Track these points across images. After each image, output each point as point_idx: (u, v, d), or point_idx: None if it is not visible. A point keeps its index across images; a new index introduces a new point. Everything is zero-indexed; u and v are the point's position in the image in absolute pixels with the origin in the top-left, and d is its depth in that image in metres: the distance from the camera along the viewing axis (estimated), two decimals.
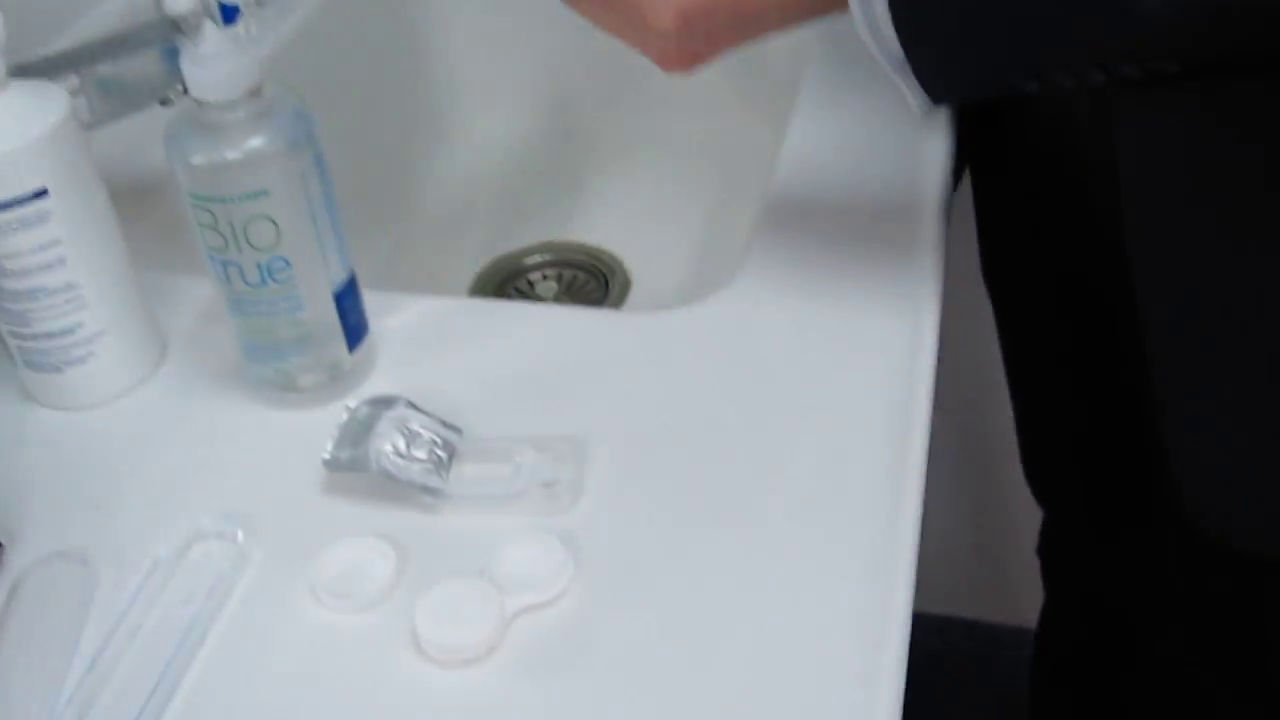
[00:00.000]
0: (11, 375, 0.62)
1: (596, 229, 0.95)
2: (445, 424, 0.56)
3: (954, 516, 1.34)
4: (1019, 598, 1.18)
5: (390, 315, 0.64)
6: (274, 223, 0.54)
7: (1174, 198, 0.58)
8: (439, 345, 0.63)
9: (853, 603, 0.49)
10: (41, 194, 0.56)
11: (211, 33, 0.52)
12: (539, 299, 0.92)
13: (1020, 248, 0.85)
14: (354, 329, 0.60)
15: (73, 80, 0.67)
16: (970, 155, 0.79)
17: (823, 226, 0.68)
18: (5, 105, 0.56)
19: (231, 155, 0.53)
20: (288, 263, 0.56)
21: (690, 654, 0.47)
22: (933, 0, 0.49)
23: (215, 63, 0.52)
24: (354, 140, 0.93)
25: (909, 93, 0.53)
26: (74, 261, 0.58)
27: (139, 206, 0.70)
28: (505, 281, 0.93)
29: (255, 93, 0.53)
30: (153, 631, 0.51)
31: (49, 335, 0.59)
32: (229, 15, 0.84)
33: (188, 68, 0.52)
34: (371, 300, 0.62)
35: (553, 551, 0.50)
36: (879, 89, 0.60)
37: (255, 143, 0.53)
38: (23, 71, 0.63)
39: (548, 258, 0.95)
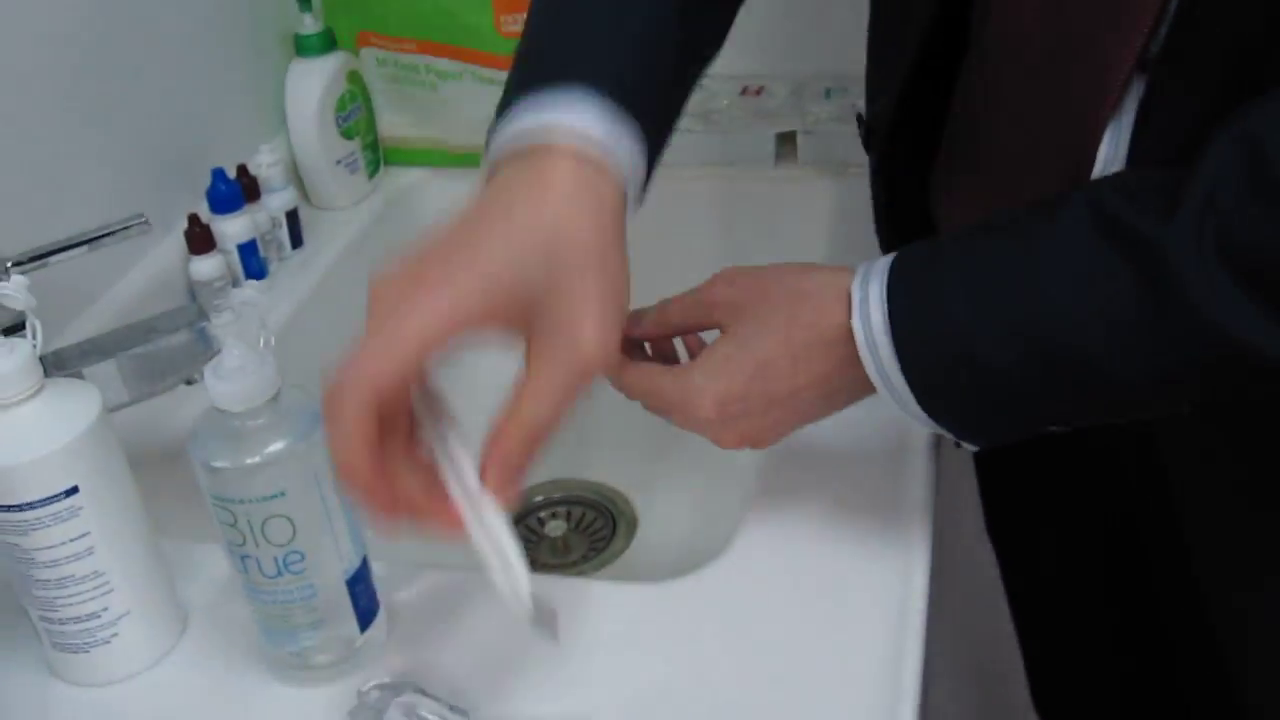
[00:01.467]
0: (38, 653, 0.65)
1: (603, 466, 0.98)
2: (453, 708, 0.58)
3: None
4: None
5: (401, 589, 0.67)
6: (290, 520, 0.58)
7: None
8: (448, 619, 0.66)
9: None
10: (73, 491, 0.59)
11: (235, 348, 0.56)
12: (548, 537, 0.95)
13: (1024, 508, 0.87)
14: (365, 611, 0.62)
15: (109, 365, 0.71)
16: None
17: (816, 479, 0.71)
18: (40, 410, 0.60)
19: (251, 460, 0.56)
20: (302, 555, 0.59)
21: None
22: (953, 390, 0.54)
23: (238, 377, 0.56)
24: None
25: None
26: (101, 550, 0.62)
27: (162, 471, 0.73)
28: (515, 521, 0.96)
29: (274, 399, 0.57)
30: None
31: (76, 619, 0.62)
32: (255, 272, 0.89)
33: (212, 382, 0.56)
34: (384, 574, 0.65)
35: None
36: None
37: (274, 447, 0.57)
38: (60, 360, 0.68)
39: (556, 495, 0.98)
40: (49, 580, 0.61)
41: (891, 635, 0.61)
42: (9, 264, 0.67)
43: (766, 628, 0.63)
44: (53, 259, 0.67)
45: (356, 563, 0.62)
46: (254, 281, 0.86)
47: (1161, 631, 0.76)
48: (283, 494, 0.57)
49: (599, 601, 0.66)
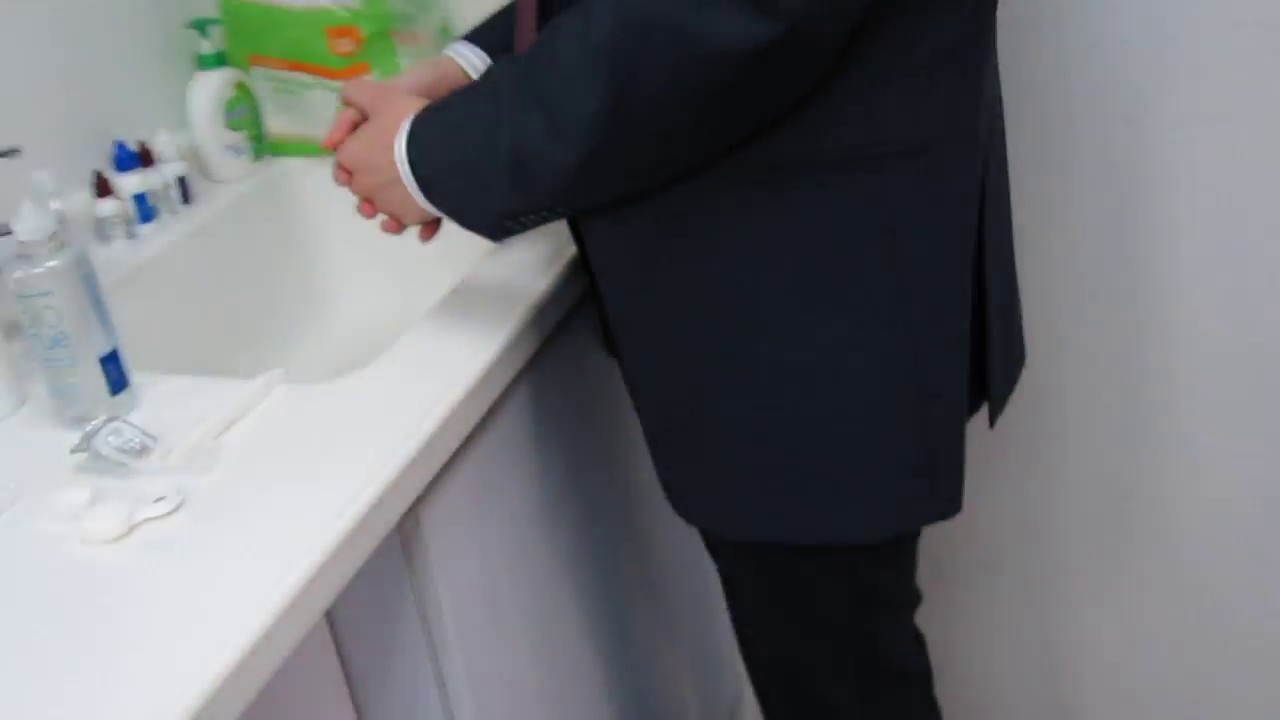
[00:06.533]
0: None
1: None
2: (145, 433, 0.95)
3: None
4: None
5: (157, 387, 1.05)
6: (58, 311, 0.96)
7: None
8: (188, 403, 1.03)
9: None
10: None
11: (29, 207, 0.95)
12: None
13: None
14: (116, 382, 1.00)
15: None
16: None
17: None
18: None
19: (34, 271, 0.95)
20: (68, 336, 0.97)
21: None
22: (425, 171, 0.94)
23: (30, 220, 0.95)
24: (245, 314, 1.35)
25: None
26: None
27: None
28: None
29: (54, 236, 0.96)
30: None
31: None
32: (145, 216, 1.30)
33: (15, 224, 0.95)
34: (144, 380, 1.02)
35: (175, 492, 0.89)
36: None
37: (51, 264, 0.95)
38: None
39: None
40: None
41: None
42: None
43: None
44: None
45: (110, 350, 1.00)
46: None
47: None
48: (51, 293, 0.96)
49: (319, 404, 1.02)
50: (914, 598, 1.13)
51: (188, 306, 1.33)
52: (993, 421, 1.03)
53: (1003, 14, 1.25)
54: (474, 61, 1.05)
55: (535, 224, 0.95)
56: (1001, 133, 1.01)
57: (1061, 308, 1.47)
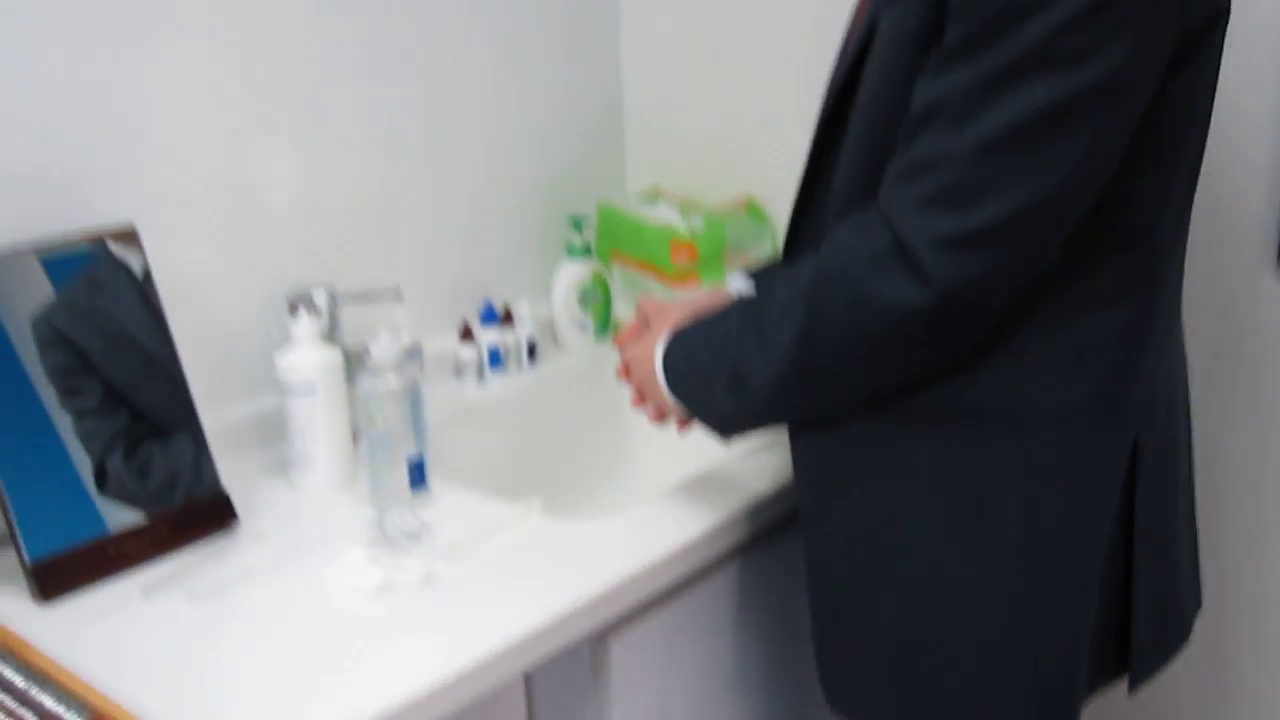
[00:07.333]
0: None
1: None
2: (423, 524, 1.23)
3: None
4: None
5: (449, 494, 1.33)
6: (387, 418, 1.26)
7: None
8: (466, 511, 1.30)
9: None
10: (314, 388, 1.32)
11: (385, 336, 1.27)
12: None
13: None
14: (416, 481, 1.29)
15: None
16: None
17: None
18: (319, 353, 1.33)
19: (376, 384, 1.26)
20: (390, 438, 1.27)
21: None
22: (674, 383, 1.16)
23: (383, 347, 1.27)
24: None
25: None
26: (321, 419, 1.33)
27: None
28: None
29: (398, 362, 1.27)
30: None
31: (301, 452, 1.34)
32: (494, 363, 1.61)
33: (373, 348, 1.27)
34: (439, 485, 1.31)
35: (426, 571, 1.15)
36: None
37: (389, 381, 1.26)
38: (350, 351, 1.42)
39: None
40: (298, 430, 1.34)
41: None
42: (343, 297, 1.43)
43: None
44: (352, 305, 1.42)
45: (418, 457, 1.29)
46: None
47: None
48: (382, 401, 1.26)
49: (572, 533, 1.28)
50: None
51: (510, 443, 1.62)
52: (1132, 689, 1.12)
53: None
54: (743, 291, 1.28)
55: (753, 428, 1.15)
56: (1180, 418, 1.12)
57: None
